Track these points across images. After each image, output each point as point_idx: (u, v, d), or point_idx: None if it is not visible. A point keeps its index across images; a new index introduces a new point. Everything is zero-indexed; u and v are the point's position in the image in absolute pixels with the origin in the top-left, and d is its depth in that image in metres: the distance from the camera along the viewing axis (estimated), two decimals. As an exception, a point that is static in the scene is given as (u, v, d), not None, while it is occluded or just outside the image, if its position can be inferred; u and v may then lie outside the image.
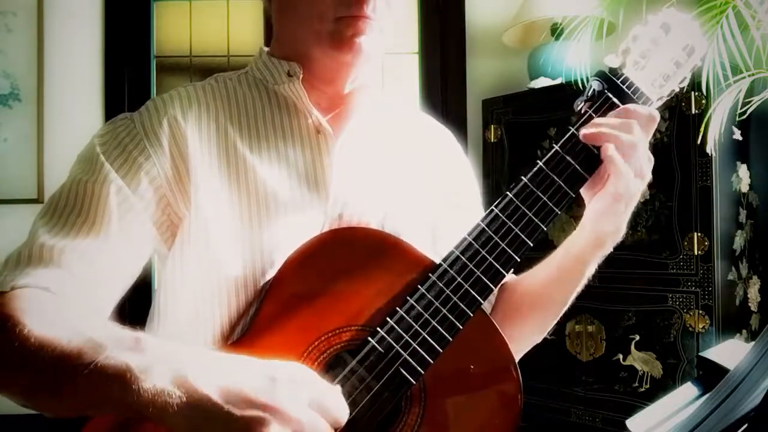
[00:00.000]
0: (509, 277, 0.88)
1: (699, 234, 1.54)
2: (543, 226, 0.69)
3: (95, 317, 0.65)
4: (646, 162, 0.70)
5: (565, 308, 0.83)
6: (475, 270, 0.67)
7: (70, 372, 0.55)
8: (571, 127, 0.71)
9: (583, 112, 0.72)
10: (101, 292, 0.69)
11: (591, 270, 0.79)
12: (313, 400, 0.55)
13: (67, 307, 0.63)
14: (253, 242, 0.72)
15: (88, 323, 0.60)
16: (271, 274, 0.70)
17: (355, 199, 0.77)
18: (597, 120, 0.71)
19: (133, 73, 2.33)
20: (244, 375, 0.54)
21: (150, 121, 0.74)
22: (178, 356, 0.56)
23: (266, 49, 0.84)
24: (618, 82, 0.72)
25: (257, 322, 0.67)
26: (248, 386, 0.53)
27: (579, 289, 0.81)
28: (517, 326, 0.83)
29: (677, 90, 0.76)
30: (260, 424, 0.51)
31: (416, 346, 0.65)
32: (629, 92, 0.72)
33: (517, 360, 0.71)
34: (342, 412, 0.57)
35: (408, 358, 0.65)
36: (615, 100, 0.72)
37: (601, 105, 0.72)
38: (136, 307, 0.82)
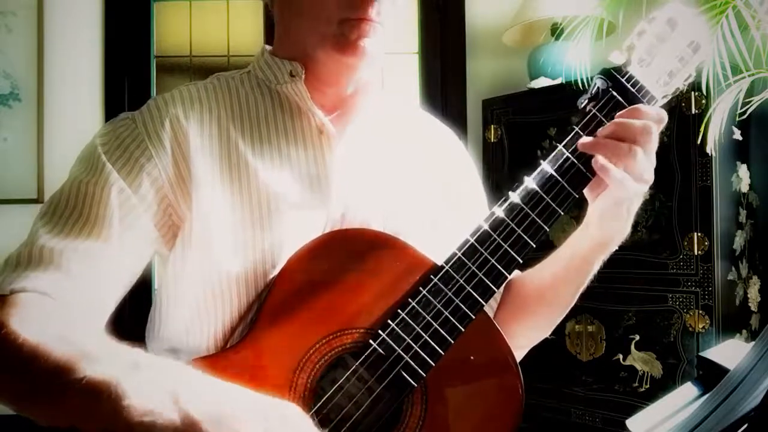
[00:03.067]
0: (514, 274, 0.88)
1: (699, 234, 1.54)
2: (545, 227, 0.68)
3: (93, 328, 0.65)
4: (648, 165, 0.69)
5: (569, 306, 0.83)
6: (477, 272, 0.67)
7: (62, 384, 0.54)
8: (575, 127, 0.70)
9: (587, 110, 0.71)
10: (101, 294, 0.68)
11: (596, 268, 0.79)
12: None
13: (65, 314, 0.63)
14: (255, 243, 0.72)
15: (85, 335, 0.60)
16: (272, 275, 0.70)
17: (358, 200, 0.77)
18: (599, 130, 0.69)
19: (133, 73, 2.33)
20: (237, 404, 0.54)
21: (152, 121, 0.74)
22: (173, 377, 0.56)
23: (268, 48, 0.84)
24: (623, 80, 0.71)
25: (258, 324, 0.67)
26: (240, 417, 0.53)
27: (583, 286, 0.81)
28: (523, 323, 0.83)
29: (682, 88, 0.74)
30: None
31: (418, 349, 0.65)
32: (634, 90, 0.71)
33: (519, 358, 0.71)
34: None
35: (409, 360, 0.65)
36: (619, 98, 0.70)
37: (606, 104, 0.71)
38: (136, 307, 0.82)
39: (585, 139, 0.69)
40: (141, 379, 0.54)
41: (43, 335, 0.58)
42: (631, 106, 0.70)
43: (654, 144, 0.69)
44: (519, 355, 0.72)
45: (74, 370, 0.54)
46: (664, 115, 0.70)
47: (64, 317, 0.62)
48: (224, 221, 0.72)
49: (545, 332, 0.86)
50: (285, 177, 0.75)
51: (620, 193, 0.69)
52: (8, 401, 0.59)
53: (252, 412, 0.54)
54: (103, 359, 0.55)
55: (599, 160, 0.67)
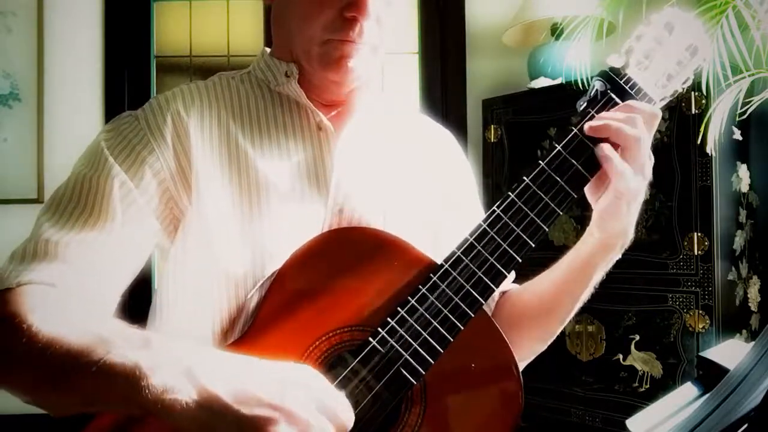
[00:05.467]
0: (513, 286, 0.88)
1: (699, 234, 1.54)
2: (544, 227, 0.69)
3: (103, 314, 0.66)
4: (647, 160, 0.70)
5: (570, 316, 0.82)
6: (477, 270, 0.67)
7: (78, 369, 0.55)
8: (573, 127, 0.71)
9: (586, 112, 0.72)
10: (105, 286, 0.69)
11: (599, 275, 0.78)
12: (321, 404, 0.55)
13: (73, 303, 0.64)
14: (254, 236, 0.72)
15: (97, 320, 0.61)
16: (270, 269, 0.70)
17: (356, 196, 0.78)
18: (602, 114, 0.70)
19: (133, 73, 2.33)
20: (254, 375, 0.55)
21: (154, 117, 0.75)
22: (188, 355, 0.56)
23: (268, 50, 0.85)
24: (621, 82, 0.72)
25: (259, 321, 0.67)
26: (257, 386, 0.53)
27: (586, 295, 0.80)
28: (522, 333, 0.82)
29: (680, 90, 0.75)
30: (268, 424, 0.51)
31: (417, 347, 0.65)
32: (632, 92, 0.72)
33: (522, 368, 0.71)
34: (349, 418, 0.57)
35: (409, 358, 0.65)
36: (618, 100, 0.71)
37: (604, 105, 0.71)
38: (136, 305, 0.82)
39: (592, 122, 0.69)
40: (156, 358, 0.55)
41: (55, 323, 0.58)
42: (625, 102, 0.71)
43: (648, 139, 0.69)
44: (520, 366, 0.72)
45: (90, 353, 0.55)
46: (658, 112, 0.71)
47: (73, 306, 0.63)
48: (224, 214, 0.73)
49: (545, 343, 0.85)
50: (284, 171, 0.76)
51: (620, 185, 0.68)
52: (24, 391, 0.59)
53: (268, 379, 0.54)
54: (117, 342, 0.56)
55: (605, 149, 0.68)
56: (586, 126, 0.69)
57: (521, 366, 0.80)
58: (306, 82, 0.79)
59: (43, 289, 0.63)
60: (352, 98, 0.83)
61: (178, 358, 0.55)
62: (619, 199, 0.70)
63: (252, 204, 0.74)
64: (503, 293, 0.88)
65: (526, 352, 0.84)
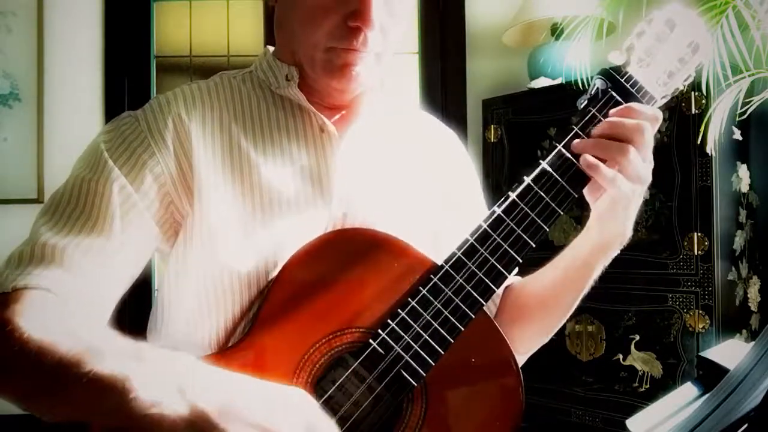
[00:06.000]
0: (515, 279, 0.88)
1: (699, 234, 1.54)
2: (545, 227, 0.69)
3: (96, 323, 0.65)
4: (642, 164, 0.68)
5: (570, 311, 0.82)
6: (477, 271, 0.67)
7: (68, 379, 0.55)
8: (574, 127, 0.70)
9: (586, 111, 0.71)
10: (103, 291, 0.69)
11: (597, 273, 0.78)
12: (310, 426, 0.55)
13: (68, 310, 0.63)
14: (257, 240, 0.72)
15: (89, 330, 0.60)
16: (274, 273, 0.70)
17: (359, 199, 0.77)
18: (594, 130, 0.69)
19: (133, 73, 2.33)
20: (243, 394, 0.55)
21: (155, 119, 0.74)
22: (178, 369, 0.56)
23: (271, 49, 0.84)
24: (622, 80, 0.71)
25: (259, 323, 0.67)
26: (246, 406, 0.53)
27: (585, 291, 0.80)
28: (523, 328, 0.82)
29: (681, 88, 0.75)
30: None
31: (417, 348, 0.65)
32: (633, 91, 0.71)
33: (521, 363, 0.71)
34: None
35: (409, 360, 0.65)
36: (619, 98, 0.71)
37: (605, 104, 0.71)
38: (136, 307, 0.82)
39: (577, 141, 0.69)
40: (147, 371, 0.54)
41: (48, 331, 0.58)
42: (625, 105, 0.70)
43: (649, 143, 0.69)
44: (519, 361, 0.72)
45: (80, 364, 0.55)
46: (659, 114, 0.70)
47: (68, 313, 0.63)
48: (226, 218, 0.72)
49: (545, 338, 0.86)
50: (287, 174, 0.76)
51: (614, 192, 0.68)
52: (16, 398, 0.59)
53: (258, 400, 0.54)
54: (108, 353, 0.56)
55: (587, 158, 0.67)
56: (572, 145, 0.69)
57: (521, 361, 0.81)
58: (308, 86, 0.78)
59: (39, 295, 0.63)
60: (356, 102, 0.82)
61: (170, 372, 0.55)
62: (616, 202, 0.70)
63: (255, 208, 0.73)
64: (506, 287, 0.88)
65: (526, 346, 0.84)
